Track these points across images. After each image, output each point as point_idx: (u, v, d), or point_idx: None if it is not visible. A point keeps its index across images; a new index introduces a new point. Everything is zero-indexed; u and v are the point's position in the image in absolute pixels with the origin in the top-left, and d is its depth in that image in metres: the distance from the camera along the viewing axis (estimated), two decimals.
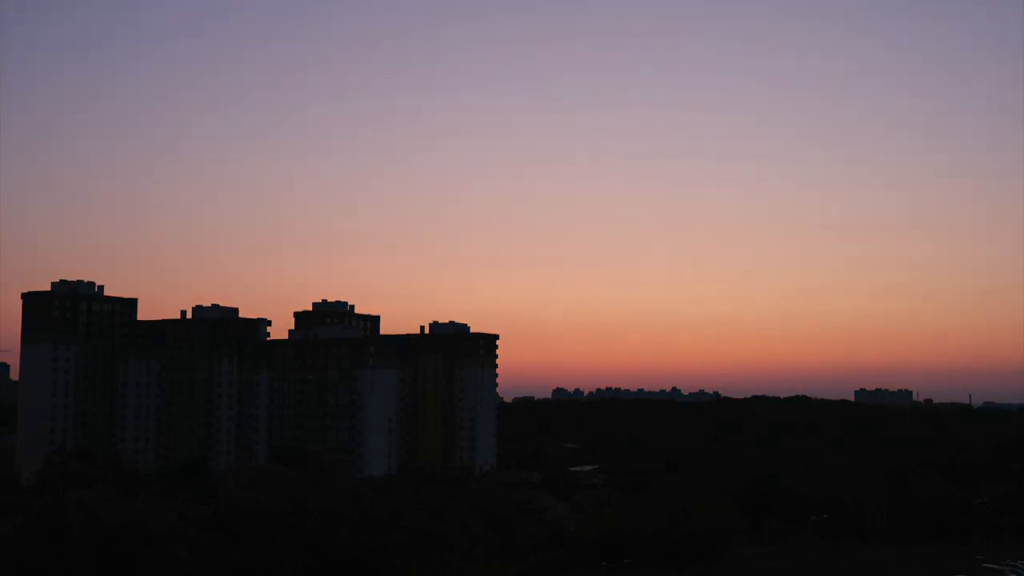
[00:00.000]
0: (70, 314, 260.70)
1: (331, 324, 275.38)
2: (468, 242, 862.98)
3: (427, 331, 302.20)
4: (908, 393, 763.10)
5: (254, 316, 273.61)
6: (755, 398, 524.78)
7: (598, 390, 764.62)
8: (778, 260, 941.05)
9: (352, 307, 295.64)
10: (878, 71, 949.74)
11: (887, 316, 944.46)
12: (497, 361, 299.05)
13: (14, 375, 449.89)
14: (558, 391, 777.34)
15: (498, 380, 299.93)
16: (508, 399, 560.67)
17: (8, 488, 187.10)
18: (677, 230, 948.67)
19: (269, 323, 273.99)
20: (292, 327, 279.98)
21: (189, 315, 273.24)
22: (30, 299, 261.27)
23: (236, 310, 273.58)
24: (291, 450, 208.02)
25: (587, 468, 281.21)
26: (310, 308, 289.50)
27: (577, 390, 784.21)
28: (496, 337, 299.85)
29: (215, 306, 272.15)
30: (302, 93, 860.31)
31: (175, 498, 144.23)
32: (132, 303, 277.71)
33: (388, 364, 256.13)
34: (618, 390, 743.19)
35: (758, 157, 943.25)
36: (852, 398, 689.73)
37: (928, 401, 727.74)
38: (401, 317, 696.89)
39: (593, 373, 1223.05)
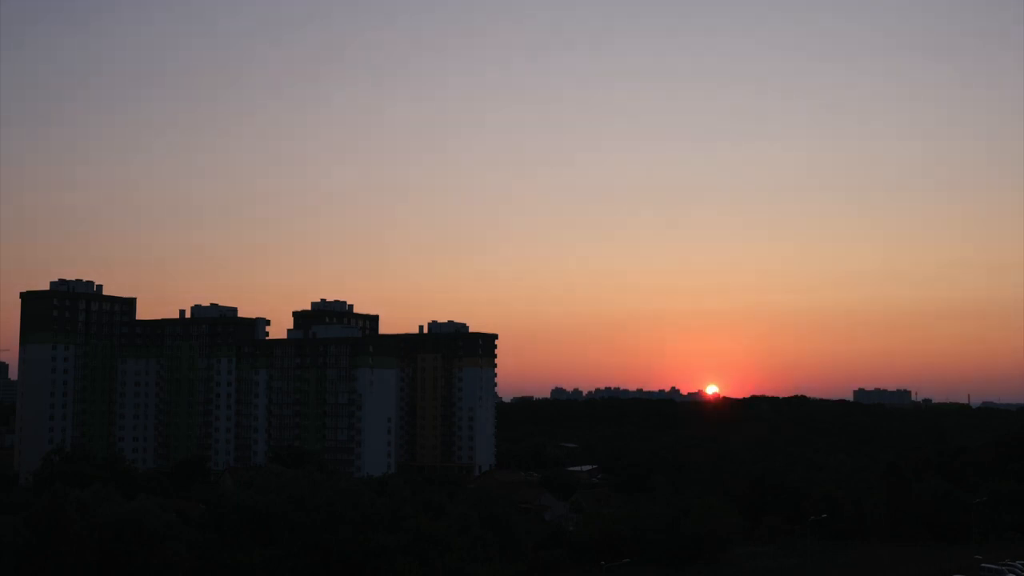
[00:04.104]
0: (69, 313, 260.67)
1: (330, 323, 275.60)
2: (468, 242, 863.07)
3: (426, 330, 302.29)
4: (907, 393, 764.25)
5: (253, 315, 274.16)
6: (755, 398, 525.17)
7: (597, 390, 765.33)
8: (778, 261, 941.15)
9: (351, 307, 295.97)
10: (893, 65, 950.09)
11: (886, 316, 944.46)
12: (496, 361, 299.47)
13: (13, 375, 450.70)
14: (557, 391, 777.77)
15: (497, 380, 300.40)
16: (507, 399, 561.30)
17: (7, 487, 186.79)
18: (677, 231, 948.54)
19: (268, 322, 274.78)
20: (291, 326, 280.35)
21: (188, 314, 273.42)
22: (29, 298, 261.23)
23: (235, 309, 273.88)
24: (290, 449, 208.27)
25: (586, 468, 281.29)
26: (309, 308, 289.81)
27: (576, 390, 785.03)
28: (495, 337, 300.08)
29: (214, 305, 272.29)
30: (301, 94, 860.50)
31: (174, 497, 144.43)
32: (131, 302, 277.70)
33: (387, 363, 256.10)
34: (617, 390, 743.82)
35: (760, 160, 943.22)
36: (851, 398, 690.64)
37: (927, 401, 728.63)
38: (400, 317, 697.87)
39: (592, 373, 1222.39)
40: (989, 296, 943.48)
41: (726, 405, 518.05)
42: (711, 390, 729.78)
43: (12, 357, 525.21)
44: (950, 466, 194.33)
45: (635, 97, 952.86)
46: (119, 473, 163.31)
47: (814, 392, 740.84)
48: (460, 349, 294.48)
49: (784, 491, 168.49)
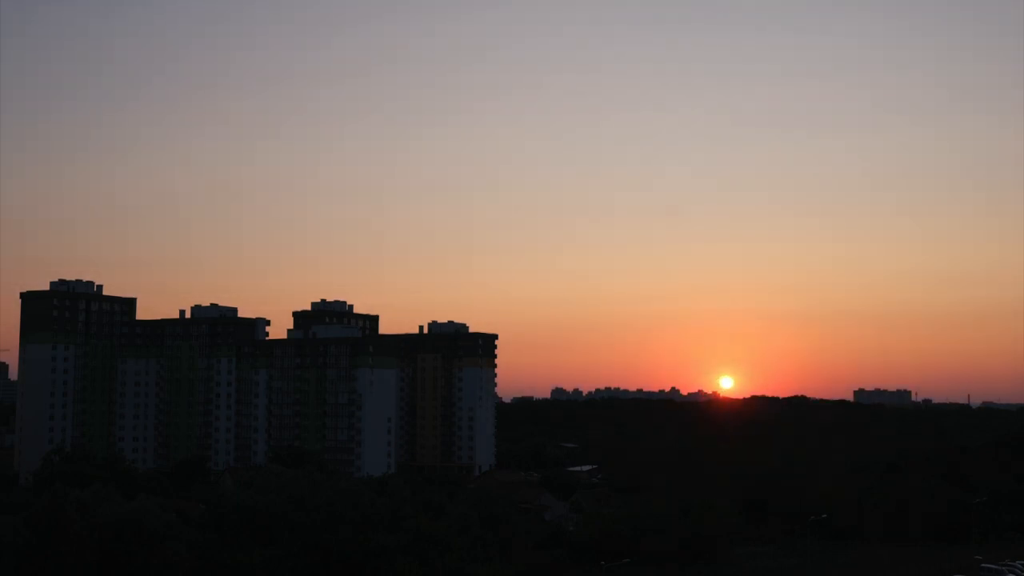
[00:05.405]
0: (69, 313, 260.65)
1: (330, 323, 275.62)
2: (468, 241, 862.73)
3: (426, 330, 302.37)
4: (907, 393, 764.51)
5: (253, 315, 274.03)
6: (755, 398, 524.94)
7: (597, 390, 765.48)
8: (776, 259, 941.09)
9: (351, 306, 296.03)
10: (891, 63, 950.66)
11: (886, 316, 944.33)
12: (496, 361, 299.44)
13: (13, 375, 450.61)
14: (557, 391, 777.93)
15: (497, 380, 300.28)
16: (507, 399, 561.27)
17: (7, 487, 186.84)
18: (677, 230, 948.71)
19: (268, 322, 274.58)
20: (291, 326, 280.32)
21: (188, 314, 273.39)
22: (29, 298, 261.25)
23: (235, 309, 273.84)
24: (290, 449, 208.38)
25: (586, 468, 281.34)
26: (309, 308, 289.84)
27: (576, 390, 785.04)
28: (495, 337, 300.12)
29: (214, 305, 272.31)
30: (300, 93, 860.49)
31: (174, 497, 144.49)
32: (131, 302, 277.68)
33: (387, 364, 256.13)
34: (617, 390, 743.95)
35: (759, 160, 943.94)
36: (851, 398, 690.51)
37: (927, 401, 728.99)
38: (400, 317, 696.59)
39: (592, 373, 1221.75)
40: (989, 296, 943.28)
41: (726, 405, 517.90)
42: (717, 387, 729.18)
43: (12, 357, 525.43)
44: (951, 466, 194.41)
45: (635, 97, 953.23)
46: (119, 473, 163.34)
47: (814, 392, 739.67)
48: (460, 349, 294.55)
49: (784, 491, 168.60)
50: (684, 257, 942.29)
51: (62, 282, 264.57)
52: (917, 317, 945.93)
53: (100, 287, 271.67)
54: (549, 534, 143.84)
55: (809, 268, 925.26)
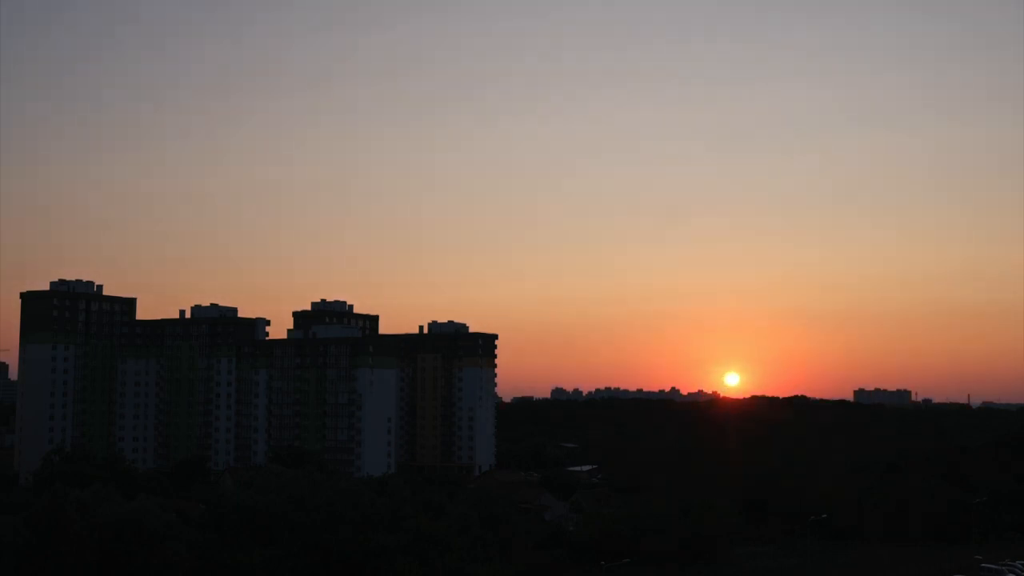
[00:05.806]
0: (69, 313, 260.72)
1: (330, 323, 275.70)
2: (468, 241, 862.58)
3: (426, 330, 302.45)
4: (907, 393, 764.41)
5: (253, 315, 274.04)
6: (754, 398, 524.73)
7: (597, 390, 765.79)
8: (776, 259, 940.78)
9: (351, 306, 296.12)
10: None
11: (886, 316, 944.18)
12: (496, 361, 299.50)
13: (13, 375, 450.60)
14: (557, 391, 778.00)
15: (497, 380, 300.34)
16: (507, 399, 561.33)
17: (7, 487, 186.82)
18: (678, 231, 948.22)
19: (268, 322, 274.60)
20: (291, 326, 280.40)
21: (188, 314, 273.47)
22: (29, 298, 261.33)
23: (235, 309, 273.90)
24: (290, 449, 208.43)
25: (586, 468, 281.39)
26: (309, 308, 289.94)
27: (576, 390, 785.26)
28: (495, 337, 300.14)
29: (214, 305, 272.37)
30: (300, 92, 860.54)
31: (174, 497, 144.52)
32: (131, 302, 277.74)
33: (387, 364, 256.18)
34: (617, 390, 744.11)
35: (761, 162, 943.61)
36: (851, 398, 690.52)
37: (927, 401, 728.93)
38: (400, 316, 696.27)
39: (592, 373, 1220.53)
40: (989, 297, 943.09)
41: (726, 405, 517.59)
42: (719, 386, 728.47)
43: (12, 357, 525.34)
44: (951, 466, 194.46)
45: (635, 98, 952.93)
46: (119, 473, 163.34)
47: (814, 392, 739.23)
48: (460, 349, 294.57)
49: (784, 491, 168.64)
50: (684, 257, 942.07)
51: (62, 282, 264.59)
52: (917, 317, 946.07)
53: (100, 287, 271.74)
54: (549, 534, 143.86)
55: (809, 268, 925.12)
